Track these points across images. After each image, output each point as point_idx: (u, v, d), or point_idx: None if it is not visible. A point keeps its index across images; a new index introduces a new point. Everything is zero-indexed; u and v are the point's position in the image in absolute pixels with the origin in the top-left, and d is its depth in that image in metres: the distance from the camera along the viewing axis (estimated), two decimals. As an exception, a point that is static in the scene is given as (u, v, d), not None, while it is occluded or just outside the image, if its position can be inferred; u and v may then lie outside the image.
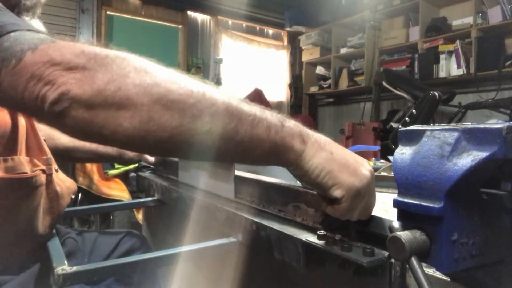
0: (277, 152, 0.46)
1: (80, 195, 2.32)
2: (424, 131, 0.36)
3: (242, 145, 0.44)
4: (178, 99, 0.40)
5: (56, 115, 0.38)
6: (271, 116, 0.47)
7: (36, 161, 0.71)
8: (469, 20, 3.38)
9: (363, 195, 0.48)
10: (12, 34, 0.41)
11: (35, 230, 0.73)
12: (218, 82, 1.47)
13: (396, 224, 0.36)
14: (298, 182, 0.60)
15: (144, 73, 0.40)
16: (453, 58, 3.40)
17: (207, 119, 0.41)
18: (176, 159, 1.04)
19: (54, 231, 0.79)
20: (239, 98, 0.46)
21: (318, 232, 0.52)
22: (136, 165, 1.32)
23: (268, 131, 0.45)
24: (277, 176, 0.75)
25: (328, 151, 0.48)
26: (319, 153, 0.48)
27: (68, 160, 1.16)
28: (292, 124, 0.49)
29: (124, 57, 0.41)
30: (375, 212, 0.51)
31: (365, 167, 0.49)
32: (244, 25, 5.10)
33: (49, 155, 0.75)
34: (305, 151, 0.47)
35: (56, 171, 0.78)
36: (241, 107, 0.44)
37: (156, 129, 0.39)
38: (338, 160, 0.48)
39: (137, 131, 0.39)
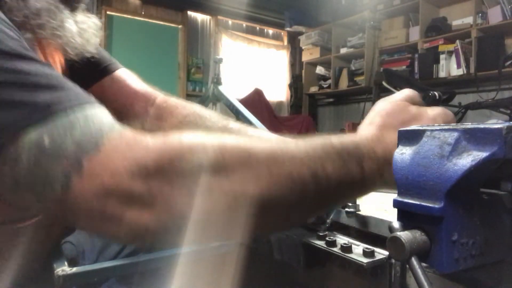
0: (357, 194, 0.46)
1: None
2: (424, 131, 0.36)
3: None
4: (271, 203, 0.35)
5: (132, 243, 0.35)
6: (353, 169, 0.41)
7: None
8: (469, 20, 3.38)
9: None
10: (47, 141, 0.31)
11: (43, 249, 0.72)
12: (218, 82, 1.46)
13: (396, 224, 0.36)
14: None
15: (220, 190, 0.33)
16: (453, 58, 3.40)
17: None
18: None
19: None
20: (324, 158, 0.39)
21: (318, 232, 0.52)
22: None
23: (351, 191, 0.42)
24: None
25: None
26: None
27: None
28: (370, 167, 0.42)
29: (189, 161, 0.33)
30: (375, 212, 0.51)
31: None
32: (244, 25, 5.10)
33: None
34: (382, 181, 0.44)
35: None
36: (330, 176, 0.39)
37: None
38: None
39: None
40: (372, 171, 0.42)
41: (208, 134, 0.36)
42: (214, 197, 0.32)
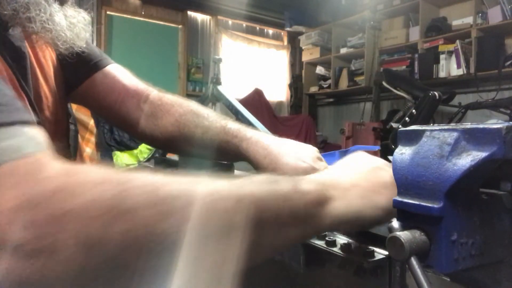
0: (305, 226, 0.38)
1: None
2: (423, 131, 0.36)
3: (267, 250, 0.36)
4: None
5: None
6: (286, 188, 0.36)
7: None
8: (469, 20, 3.38)
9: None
10: None
11: None
12: (217, 82, 1.47)
13: (395, 224, 0.36)
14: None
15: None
16: (453, 58, 3.40)
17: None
18: (176, 158, 1.04)
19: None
20: (253, 184, 0.34)
21: (318, 232, 0.52)
22: (136, 164, 1.32)
23: (295, 219, 0.36)
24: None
25: (357, 186, 0.41)
26: (349, 196, 0.40)
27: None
28: (307, 184, 0.38)
29: (83, 198, 0.27)
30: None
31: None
32: (244, 25, 5.10)
33: None
34: (333, 205, 0.39)
35: None
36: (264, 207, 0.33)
37: None
38: (368, 189, 0.41)
39: None
40: (314, 193, 0.37)
41: (117, 170, 0.31)
42: (112, 240, 0.27)
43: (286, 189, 0.36)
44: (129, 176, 0.30)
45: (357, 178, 0.42)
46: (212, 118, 0.70)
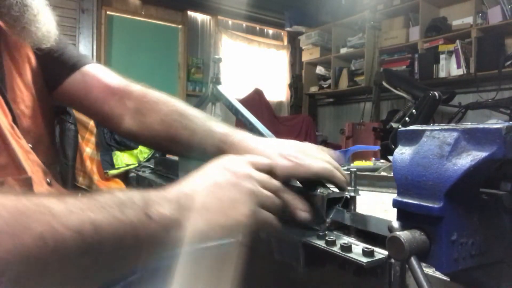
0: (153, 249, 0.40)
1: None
2: (423, 131, 0.36)
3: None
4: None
5: None
6: (136, 216, 0.37)
7: (12, 182, 0.59)
8: (469, 20, 3.38)
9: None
10: None
11: None
12: (217, 81, 1.47)
13: (395, 224, 0.36)
14: (298, 182, 0.60)
15: None
16: (453, 58, 3.40)
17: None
18: (176, 158, 1.04)
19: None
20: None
21: (318, 232, 0.52)
22: (136, 164, 1.32)
23: (135, 243, 0.37)
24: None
25: (207, 208, 0.44)
26: (198, 220, 0.43)
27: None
28: (161, 208, 0.40)
29: None
30: (375, 212, 0.51)
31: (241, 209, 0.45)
32: (244, 25, 5.10)
33: (30, 173, 0.59)
34: (180, 230, 0.41)
35: (49, 184, 0.65)
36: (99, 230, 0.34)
37: None
38: (216, 211, 0.44)
39: None
40: (163, 217, 0.39)
41: None
42: None
43: (133, 215, 0.37)
44: None
45: (211, 198, 0.44)
46: (198, 120, 0.68)
